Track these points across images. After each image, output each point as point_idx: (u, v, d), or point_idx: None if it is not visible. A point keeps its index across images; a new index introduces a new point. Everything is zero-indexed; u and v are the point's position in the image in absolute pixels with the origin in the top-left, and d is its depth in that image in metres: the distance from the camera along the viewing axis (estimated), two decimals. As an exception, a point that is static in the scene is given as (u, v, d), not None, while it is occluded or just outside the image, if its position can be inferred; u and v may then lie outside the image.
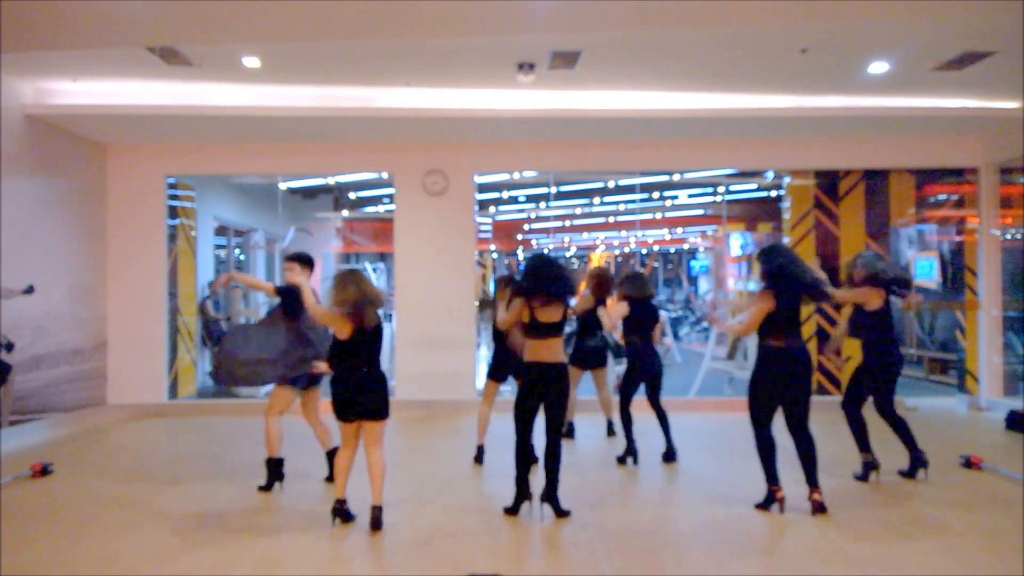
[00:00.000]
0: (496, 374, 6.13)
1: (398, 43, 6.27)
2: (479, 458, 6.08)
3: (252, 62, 6.65)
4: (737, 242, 12.32)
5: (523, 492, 4.68)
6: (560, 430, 4.70)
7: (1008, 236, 8.95)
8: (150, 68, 6.78)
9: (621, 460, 6.06)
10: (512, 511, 4.69)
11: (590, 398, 7.41)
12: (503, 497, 4.87)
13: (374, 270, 11.18)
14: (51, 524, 4.60)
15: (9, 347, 7.07)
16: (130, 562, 3.96)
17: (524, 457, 4.69)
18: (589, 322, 6.64)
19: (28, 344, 7.34)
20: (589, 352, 6.77)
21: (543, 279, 4.60)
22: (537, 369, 4.66)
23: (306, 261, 5.18)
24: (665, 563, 3.94)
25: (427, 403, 8.72)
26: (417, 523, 4.58)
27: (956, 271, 9.67)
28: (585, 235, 15.90)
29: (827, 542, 4.19)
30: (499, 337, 5.95)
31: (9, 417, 7.05)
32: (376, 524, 4.37)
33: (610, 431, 7.16)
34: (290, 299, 5.09)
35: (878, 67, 6.78)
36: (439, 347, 8.84)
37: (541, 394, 4.66)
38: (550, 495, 4.63)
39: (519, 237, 15.28)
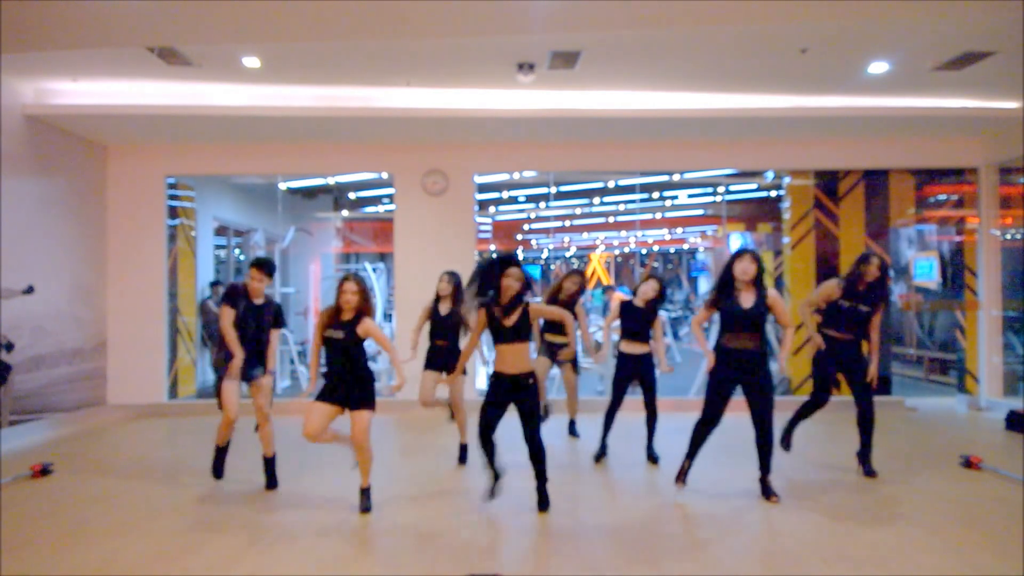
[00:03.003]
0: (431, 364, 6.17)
1: (398, 43, 6.27)
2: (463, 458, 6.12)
3: (252, 62, 6.66)
4: (737, 242, 12.31)
5: (496, 475, 4.76)
6: (537, 429, 4.66)
7: (1008, 236, 8.95)
8: (150, 68, 6.78)
9: (654, 460, 6.04)
10: (492, 494, 4.78)
11: (593, 398, 7.40)
12: (503, 496, 4.86)
13: (374, 270, 11.18)
14: (51, 524, 4.60)
15: (9, 347, 7.07)
16: (130, 562, 3.96)
17: (489, 446, 4.70)
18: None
19: (28, 344, 7.34)
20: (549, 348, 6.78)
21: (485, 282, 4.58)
22: (505, 381, 4.62)
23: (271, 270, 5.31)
24: (665, 561, 3.94)
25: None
26: (417, 523, 4.57)
27: (956, 271, 9.67)
28: (585, 235, 15.90)
29: (826, 541, 4.19)
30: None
31: (9, 417, 7.05)
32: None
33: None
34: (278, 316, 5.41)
35: (878, 67, 6.78)
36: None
37: (506, 403, 4.65)
38: (539, 487, 4.75)
39: (519, 237, 15.28)
